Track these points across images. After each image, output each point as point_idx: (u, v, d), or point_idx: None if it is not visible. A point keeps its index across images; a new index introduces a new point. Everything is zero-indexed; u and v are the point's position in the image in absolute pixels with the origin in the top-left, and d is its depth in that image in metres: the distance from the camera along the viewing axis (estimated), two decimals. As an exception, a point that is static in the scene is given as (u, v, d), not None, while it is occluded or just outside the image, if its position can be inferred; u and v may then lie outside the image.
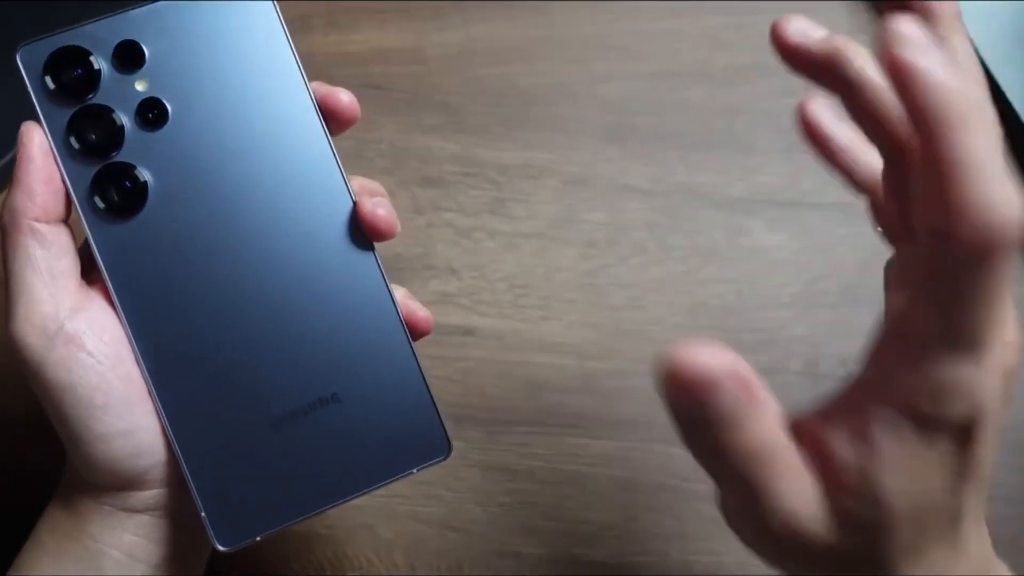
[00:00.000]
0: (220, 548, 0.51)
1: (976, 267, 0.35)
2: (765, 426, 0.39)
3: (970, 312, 0.37)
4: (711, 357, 0.36)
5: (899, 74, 0.35)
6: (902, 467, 0.39)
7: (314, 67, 0.53)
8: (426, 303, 0.56)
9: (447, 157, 0.78)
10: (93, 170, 0.51)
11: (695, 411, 0.37)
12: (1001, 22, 0.75)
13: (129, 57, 0.51)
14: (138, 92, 0.51)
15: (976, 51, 0.71)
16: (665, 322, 0.72)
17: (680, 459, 0.69)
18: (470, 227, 0.76)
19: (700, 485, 0.68)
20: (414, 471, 0.54)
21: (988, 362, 0.38)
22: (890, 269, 0.48)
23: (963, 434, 0.39)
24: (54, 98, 0.50)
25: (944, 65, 0.35)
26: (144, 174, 0.51)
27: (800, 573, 0.44)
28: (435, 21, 0.82)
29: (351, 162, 0.53)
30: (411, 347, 0.54)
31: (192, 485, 0.51)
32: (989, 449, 0.41)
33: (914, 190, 0.38)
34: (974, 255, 0.35)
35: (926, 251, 0.36)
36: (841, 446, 0.40)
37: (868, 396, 0.40)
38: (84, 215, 0.51)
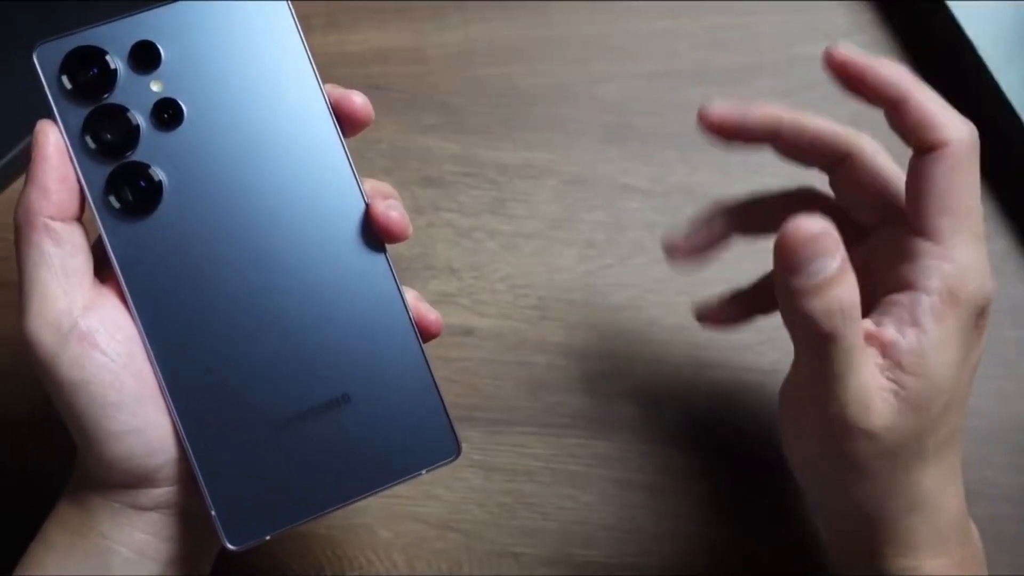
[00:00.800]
0: (230, 547, 0.51)
1: (966, 163, 0.52)
2: (855, 290, 0.50)
3: (970, 197, 0.53)
4: (826, 225, 0.48)
5: (871, 70, 0.54)
6: (945, 343, 0.52)
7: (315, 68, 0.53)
8: (428, 303, 0.56)
9: (447, 157, 0.78)
10: (108, 169, 0.51)
11: (807, 265, 0.48)
12: (1001, 22, 0.75)
13: (145, 57, 0.51)
14: (154, 92, 0.51)
15: (976, 51, 0.72)
16: (665, 322, 0.72)
17: (679, 459, 0.69)
18: (470, 227, 0.76)
19: (698, 485, 0.68)
20: (423, 472, 0.54)
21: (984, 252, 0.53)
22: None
23: (981, 314, 0.53)
24: (70, 97, 0.50)
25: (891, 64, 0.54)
26: (159, 174, 0.51)
27: (843, 477, 0.54)
28: (435, 21, 0.82)
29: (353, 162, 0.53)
30: (421, 349, 0.54)
31: (203, 484, 0.51)
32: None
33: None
34: (963, 154, 0.52)
35: (924, 171, 0.53)
36: (897, 335, 0.52)
37: (903, 292, 0.53)
38: (98, 214, 0.51)
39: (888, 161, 0.57)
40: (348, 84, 0.54)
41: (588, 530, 0.68)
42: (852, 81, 0.55)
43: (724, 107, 0.59)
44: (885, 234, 0.57)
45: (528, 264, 0.75)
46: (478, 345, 0.73)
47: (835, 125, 0.58)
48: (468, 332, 0.73)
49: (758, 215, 0.62)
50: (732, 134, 0.59)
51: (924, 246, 0.53)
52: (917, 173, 0.53)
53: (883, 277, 0.55)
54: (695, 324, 0.66)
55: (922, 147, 0.53)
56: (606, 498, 0.69)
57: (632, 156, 0.77)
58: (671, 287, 0.73)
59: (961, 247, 0.52)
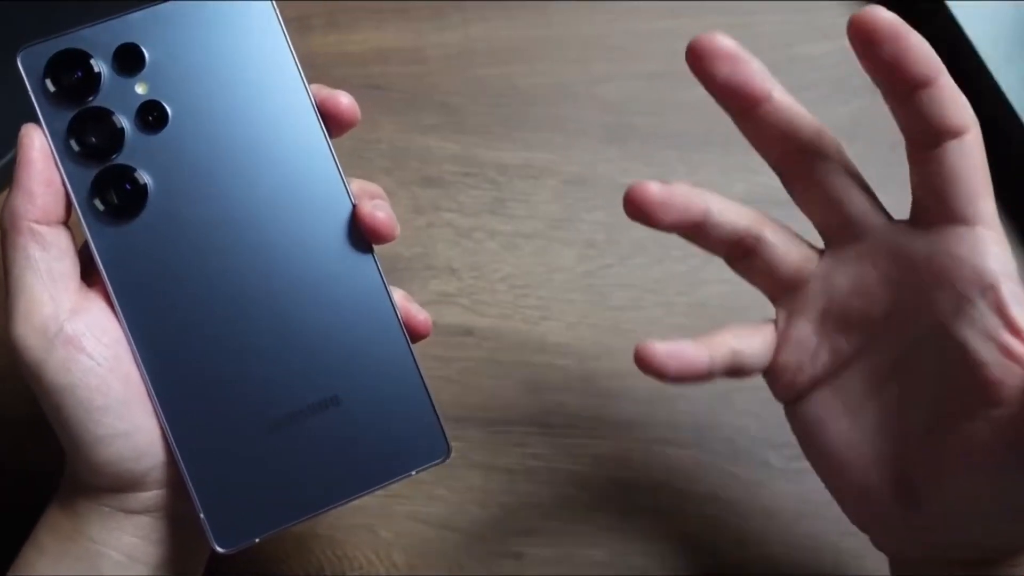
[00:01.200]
0: (219, 550, 0.51)
1: (979, 146, 0.50)
2: None
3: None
4: None
5: (908, 39, 0.49)
6: None
7: (314, 67, 0.53)
8: (426, 303, 0.56)
9: (447, 157, 0.78)
10: (93, 172, 0.51)
11: None
12: (1001, 22, 0.75)
13: (129, 60, 0.51)
14: (138, 95, 0.51)
15: (976, 51, 0.72)
16: (665, 322, 0.72)
17: (679, 459, 0.69)
18: (470, 227, 0.76)
19: (699, 485, 0.68)
20: (412, 473, 0.54)
21: None
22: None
23: None
24: (54, 100, 0.50)
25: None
26: (144, 177, 0.51)
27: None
28: (434, 21, 0.82)
29: (351, 162, 0.53)
30: (410, 349, 0.54)
31: (191, 486, 0.51)
32: None
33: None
34: (981, 137, 0.50)
35: (963, 154, 0.50)
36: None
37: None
38: (84, 217, 0.51)
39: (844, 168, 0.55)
40: (348, 84, 0.54)
41: (588, 530, 0.68)
42: (880, 48, 0.49)
43: (655, 191, 0.55)
44: (882, 240, 0.54)
45: (528, 264, 0.75)
46: (478, 345, 0.73)
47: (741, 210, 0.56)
48: (468, 332, 0.73)
49: (710, 230, 0.57)
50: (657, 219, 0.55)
51: (981, 234, 0.50)
52: (952, 159, 0.50)
53: (930, 279, 0.52)
54: (695, 324, 0.66)
55: (948, 132, 0.49)
56: (606, 498, 0.69)
57: (632, 156, 0.77)
58: (671, 287, 0.73)
59: (999, 227, 0.51)
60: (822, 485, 0.61)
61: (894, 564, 0.57)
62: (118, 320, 0.51)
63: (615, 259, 0.74)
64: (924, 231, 0.52)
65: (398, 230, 0.53)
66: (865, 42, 0.50)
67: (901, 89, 0.50)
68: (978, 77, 0.75)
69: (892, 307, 0.53)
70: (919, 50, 0.49)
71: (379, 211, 0.53)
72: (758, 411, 0.69)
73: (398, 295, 0.55)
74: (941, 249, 0.51)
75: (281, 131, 0.53)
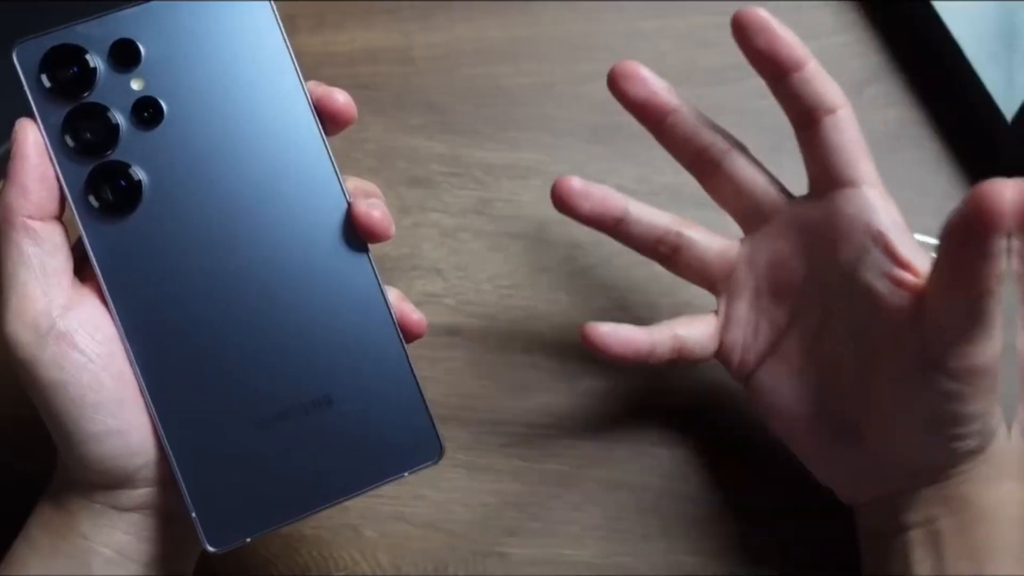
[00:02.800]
0: (210, 549, 0.51)
1: (852, 120, 0.59)
2: None
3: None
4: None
5: (782, 30, 0.59)
6: None
7: (301, 67, 0.53)
8: (412, 303, 0.56)
9: (433, 157, 0.78)
10: (87, 168, 0.51)
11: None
12: (986, 21, 0.75)
13: (125, 55, 0.51)
14: (134, 91, 0.51)
15: (961, 50, 0.73)
16: (650, 323, 0.72)
17: (666, 459, 0.69)
18: (456, 227, 0.76)
19: (684, 485, 0.68)
20: (406, 474, 0.54)
21: None
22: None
23: None
24: (49, 96, 0.50)
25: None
26: (138, 173, 0.51)
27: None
28: (421, 21, 0.82)
29: (338, 162, 0.53)
30: (404, 349, 0.54)
31: (182, 485, 0.51)
32: None
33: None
34: (849, 115, 0.59)
35: (841, 128, 0.58)
36: None
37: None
38: (78, 213, 0.51)
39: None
40: (335, 84, 0.54)
41: (574, 530, 0.68)
42: (755, 38, 0.59)
43: (576, 183, 0.63)
44: (788, 216, 0.62)
45: (514, 264, 0.75)
46: (464, 345, 0.73)
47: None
48: (454, 332, 0.73)
49: (631, 226, 0.64)
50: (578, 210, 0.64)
51: (866, 192, 0.58)
52: (830, 132, 0.58)
53: (836, 235, 0.59)
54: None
55: (822, 108, 0.58)
56: (592, 498, 0.69)
57: (619, 156, 0.77)
58: (656, 288, 0.73)
59: (881, 184, 0.59)
60: (819, 484, 0.61)
61: (860, 521, 0.62)
62: (111, 317, 0.51)
63: (601, 260, 0.74)
64: (820, 200, 0.60)
65: (393, 229, 0.53)
66: (743, 34, 0.60)
67: (778, 72, 0.59)
68: (963, 76, 0.75)
69: (807, 272, 0.61)
70: (787, 39, 0.58)
71: (374, 210, 0.53)
72: (747, 412, 0.69)
73: (393, 294, 0.55)
74: (835, 211, 0.59)
75: (277, 128, 0.53)
